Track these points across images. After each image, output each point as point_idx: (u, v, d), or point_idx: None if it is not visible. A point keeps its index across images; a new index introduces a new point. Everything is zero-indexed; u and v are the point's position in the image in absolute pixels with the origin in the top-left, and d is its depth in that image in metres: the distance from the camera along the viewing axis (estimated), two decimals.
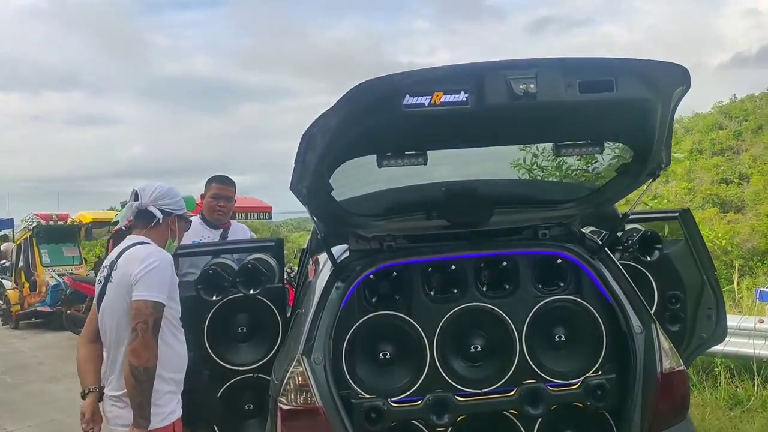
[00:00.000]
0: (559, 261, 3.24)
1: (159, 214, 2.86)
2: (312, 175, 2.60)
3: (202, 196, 4.48)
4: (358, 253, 3.17)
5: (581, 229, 3.36)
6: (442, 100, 2.23)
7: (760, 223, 37.53)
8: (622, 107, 2.40)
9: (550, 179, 5.00)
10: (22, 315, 15.49)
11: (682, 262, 4.02)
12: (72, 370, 9.38)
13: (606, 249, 3.27)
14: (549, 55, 2.31)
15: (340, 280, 3.06)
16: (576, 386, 3.11)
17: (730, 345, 5.19)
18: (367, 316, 3.13)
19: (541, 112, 2.36)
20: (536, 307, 3.19)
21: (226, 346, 3.57)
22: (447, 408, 3.02)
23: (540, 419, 3.10)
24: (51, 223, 15.93)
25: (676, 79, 2.36)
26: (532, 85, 2.22)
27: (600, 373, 3.15)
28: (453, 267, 3.20)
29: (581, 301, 3.21)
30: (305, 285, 3.72)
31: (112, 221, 13.08)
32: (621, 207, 3.70)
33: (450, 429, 3.07)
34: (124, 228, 3.05)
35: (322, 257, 3.39)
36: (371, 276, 3.15)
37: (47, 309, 14.69)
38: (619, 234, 3.74)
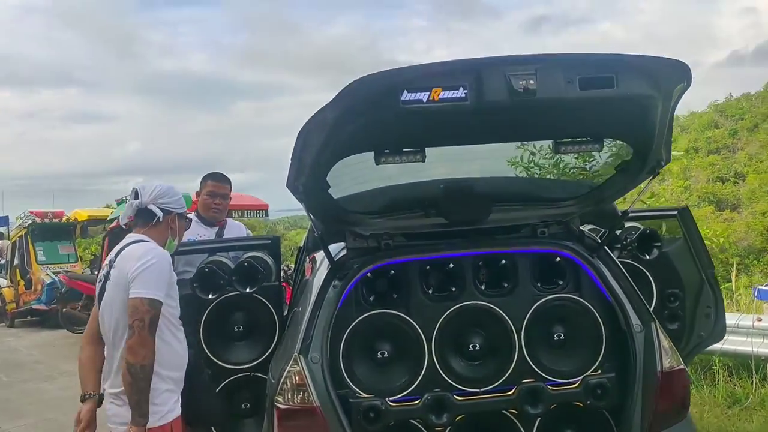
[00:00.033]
0: (558, 259, 3.22)
1: (159, 213, 2.88)
2: (309, 172, 2.57)
3: (198, 194, 4.45)
4: (356, 251, 3.15)
5: (580, 227, 3.34)
6: (440, 96, 2.20)
7: (755, 222, 37.68)
8: (623, 104, 2.37)
9: (548, 177, 4.98)
10: (17, 313, 15.47)
11: (681, 261, 4.01)
12: (68, 368, 9.39)
13: (605, 247, 3.24)
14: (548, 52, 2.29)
15: (337, 278, 3.04)
16: (575, 385, 3.09)
17: (728, 343, 5.19)
18: (364, 315, 3.10)
19: (541, 108, 2.32)
20: (535, 306, 3.17)
21: (222, 345, 3.54)
22: (445, 407, 3.00)
23: (539, 418, 3.08)
24: (46, 220, 15.90)
25: (678, 75, 2.33)
26: (531, 82, 2.19)
27: (600, 372, 3.13)
28: (451, 265, 3.17)
29: (580, 299, 3.19)
30: (302, 283, 3.70)
31: (108, 219, 13.05)
32: (619, 205, 3.68)
33: (449, 429, 3.05)
34: (124, 226, 3.06)
35: (319, 255, 3.37)
36: (369, 274, 3.12)
37: (43, 307, 14.68)
38: (618, 232, 3.72)
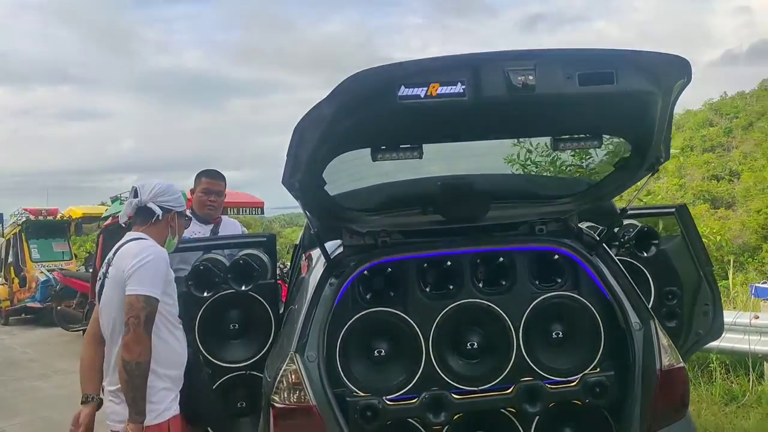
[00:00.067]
0: (557, 257, 3.19)
1: (158, 211, 2.88)
2: (304, 168, 2.54)
3: (192, 191, 4.41)
4: (352, 248, 3.12)
5: (579, 225, 3.31)
6: (438, 91, 2.18)
7: (750, 219, 37.81)
8: (622, 100, 2.35)
9: (546, 174, 4.95)
10: (11, 311, 15.44)
11: (679, 258, 3.99)
12: (62, 366, 9.39)
13: (604, 245, 3.22)
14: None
15: (333, 276, 3.01)
16: (574, 383, 3.07)
17: (725, 341, 5.17)
18: (361, 313, 3.07)
19: (540, 104, 2.30)
20: (533, 304, 3.14)
21: (217, 343, 3.51)
22: (443, 406, 2.97)
23: (537, 417, 3.06)
24: (40, 218, 15.87)
25: (678, 71, 2.31)
26: (530, 77, 2.17)
27: (598, 370, 3.10)
28: (449, 263, 3.15)
29: (579, 297, 3.16)
30: (298, 281, 3.67)
31: (102, 216, 13.00)
32: (616, 203, 3.66)
33: (446, 427, 3.02)
34: (123, 224, 3.04)
35: (316, 253, 3.34)
36: (365, 272, 3.09)
37: (37, 305, 14.67)
38: (616, 230, 3.70)
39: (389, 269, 3.13)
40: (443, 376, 3.05)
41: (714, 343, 4.79)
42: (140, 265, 2.68)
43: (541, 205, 3.21)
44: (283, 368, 2.85)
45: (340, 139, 2.41)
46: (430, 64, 2.18)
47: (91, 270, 11.68)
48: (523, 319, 3.12)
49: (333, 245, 3.20)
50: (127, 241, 2.85)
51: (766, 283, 7.07)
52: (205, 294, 3.46)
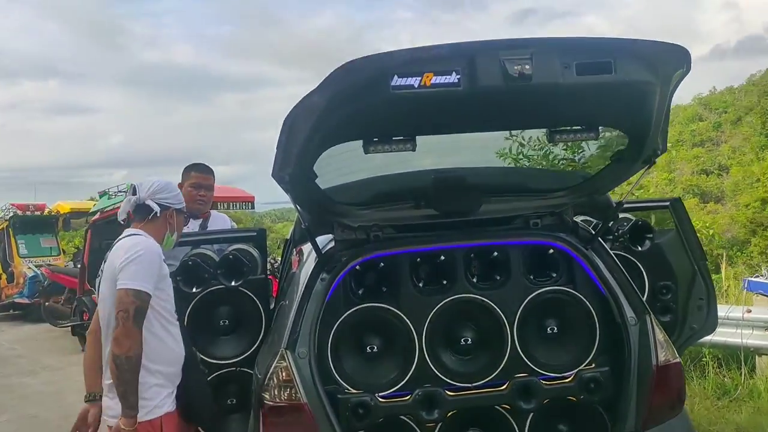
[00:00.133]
0: (551, 251, 3.15)
1: (156, 208, 2.89)
2: (295, 161, 2.48)
3: (180, 186, 4.33)
4: (344, 243, 3.07)
5: (574, 218, 3.27)
6: (432, 81, 2.11)
7: (739, 214, 38.10)
8: (620, 90, 2.30)
9: (540, 168, 4.91)
10: None
11: (673, 252, 3.97)
12: (50, 362, 9.32)
13: (599, 239, 3.18)
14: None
15: (325, 271, 2.95)
16: (569, 379, 3.03)
17: (718, 335, 5.14)
18: (353, 309, 3.02)
19: (536, 95, 2.24)
20: (528, 299, 3.10)
21: (207, 340, 3.45)
22: (436, 403, 2.93)
23: (532, 414, 3.02)
24: (28, 213, 15.73)
25: (677, 60, 2.26)
26: (527, 66, 2.11)
27: (593, 365, 3.07)
28: (442, 257, 3.10)
29: (574, 292, 3.12)
30: (289, 276, 3.62)
31: (90, 211, 12.90)
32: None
33: (440, 425, 2.98)
34: (122, 222, 3.04)
35: (306, 248, 3.29)
36: (357, 267, 3.04)
37: (25, 301, 14.59)
38: (610, 224, 3.66)
39: (381, 264, 3.09)
40: (436, 372, 3.00)
41: (707, 338, 4.78)
42: (131, 259, 2.69)
43: (536, 198, 3.17)
44: (273, 365, 2.80)
45: (331, 130, 2.34)
46: (424, 53, 2.12)
47: (79, 265, 11.57)
48: (518, 314, 3.07)
49: (324, 240, 3.15)
50: (123, 238, 2.86)
51: (758, 277, 7.09)
52: (194, 290, 3.40)
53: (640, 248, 3.70)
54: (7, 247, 15.58)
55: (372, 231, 3.03)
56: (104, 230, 10.18)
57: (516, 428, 3.04)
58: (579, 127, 2.58)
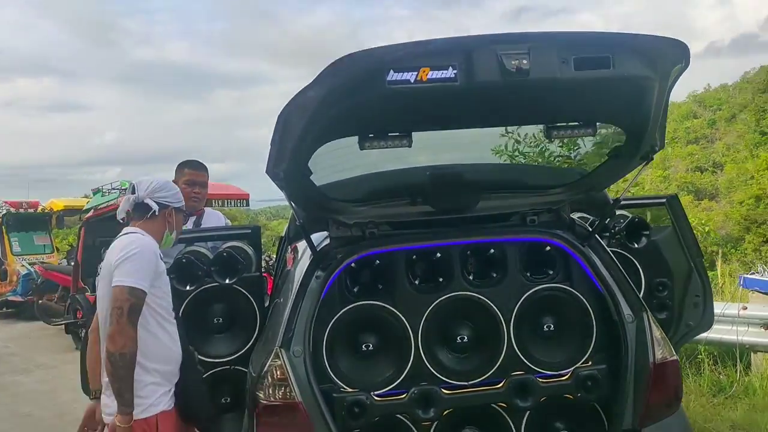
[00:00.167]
0: (548, 248, 3.14)
1: (155, 206, 2.90)
2: (289, 157, 2.45)
3: (174, 183, 4.29)
4: (339, 240, 3.04)
5: (571, 215, 3.25)
6: (428, 76, 2.09)
7: (733, 211, 38.20)
8: (618, 86, 2.28)
9: (537, 164, 4.90)
10: None
11: (670, 249, 3.96)
12: (44, 360, 9.25)
13: (596, 236, 3.16)
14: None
15: (320, 268, 2.93)
16: (566, 377, 3.02)
17: (713, 332, 5.15)
18: (348, 307, 3.00)
19: (534, 90, 2.22)
20: (524, 296, 3.08)
21: (201, 338, 3.42)
22: (433, 401, 2.91)
23: (528, 412, 3.01)
24: (21, 210, 15.63)
25: (676, 55, 2.24)
26: (524, 61, 2.09)
27: (590, 363, 3.05)
28: (438, 255, 3.08)
29: (571, 289, 3.11)
30: (284, 274, 3.59)
31: (84, 209, 12.83)
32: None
33: (436, 423, 2.96)
34: (121, 221, 3.05)
35: (301, 245, 3.26)
36: (353, 264, 3.02)
37: (18, 298, 14.51)
38: (607, 220, 3.65)
39: (377, 261, 3.07)
40: (432, 370, 2.98)
41: (702, 335, 4.78)
42: (126, 257, 2.69)
43: (533, 195, 3.15)
44: (268, 363, 2.78)
45: (326, 126, 2.31)
46: (420, 48, 2.09)
47: (72, 263, 11.50)
48: (514, 311, 3.06)
49: (319, 237, 3.13)
50: (120, 236, 2.87)
51: (754, 274, 7.10)
52: (188, 287, 3.37)
53: (636, 245, 3.69)
54: (0, 245, 15.48)
55: (367, 228, 3.01)
56: (98, 228, 10.11)
57: (512, 426, 3.02)
58: (576, 123, 2.57)
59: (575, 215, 3.43)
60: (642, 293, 3.65)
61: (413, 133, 2.45)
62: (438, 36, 2.10)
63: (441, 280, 3.08)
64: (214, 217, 4.42)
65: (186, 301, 3.35)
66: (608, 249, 3.23)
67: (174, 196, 3.00)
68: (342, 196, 2.97)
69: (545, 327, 3.09)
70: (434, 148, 2.88)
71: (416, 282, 3.11)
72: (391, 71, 2.07)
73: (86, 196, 16.76)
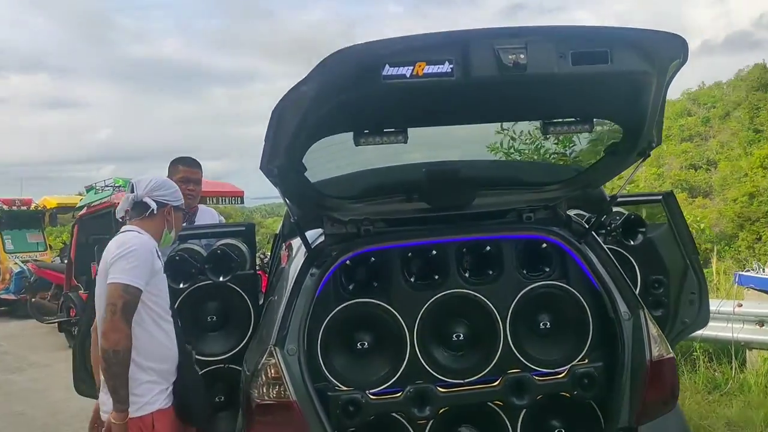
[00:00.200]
0: (545, 245, 3.11)
1: (153, 205, 2.90)
2: (283, 153, 2.42)
3: None
4: (334, 237, 3.01)
5: (567, 212, 3.23)
6: (424, 71, 2.06)
7: (727, 208, 38.38)
8: (616, 81, 2.26)
9: (533, 161, 4.88)
10: None
11: (665, 246, 3.95)
12: (36, 359, 9.22)
13: (593, 233, 3.14)
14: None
15: (314, 266, 2.90)
16: (562, 375, 3.00)
17: (708, 329, 5.16)
18: (343, 304, 2.97)
19: (531, 85, 2.20)
20: (521, 294, 3.06)
21: (194, 336, 3.39)
22: (428, 400, 2.89)
23: (524, 410, 2.99)
24: (14, 208, 15.55)
25: (674, 50, 2.22)
26: (522, 56, 2.06)
27: (587, 361, 3.04)
28: (434, 252, 3.05)
29: (567, 286, 3.09)
30: (278, 271, 3.56)
31: (77, 206, 12.78)
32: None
33: (431, 422, 2.94)
34: (120, 219, 3.06)
35: (296, 242, 3.24)
36: (348, 262, 2.99)
37: (11, 297, 14.47)
38: (603, 217, 3.63)
39: (372, 259, 3.04)
40: (428, 368, 2.96)
41: (698, 332, 4.78)
42: (121, 255, 2.70)
43: (529, 192, 3.13)
44: (262, 362, 2.75)
45: (321, 122, 2.29)
46: (416, 42, 2.06)
47: (66, 261, 11.45)
48: (511, 309, 3.03)
49: (314, 234, 3.10)
50: (118, 234, 2.88)
51: (749, 271, 7.11)
52: (181, 285, 3.34)
53: (632, 242, 3.68)
54: None
55: (363, 225, 2.98)
56: (91, 225, 10.08)
57: (508, 424, 3.00)
58: (573, 119, 2.54)
59: (571, 212, 3.41)
60: (638, 290, 3.64)
61: (409, 129, 2.42)
62: None
63: (437, 277, 3.06)
64: (207, 215, 4.38)
65: (179, 299, 3.32)
66: (605, 246, 3.20)
67: (173, 195, 3.00)
68: (337, 193, 2.94)
69: (541, 325, 3.06)
70: (429, 146, 2.86)
71: (412, 279, 3.08)
72: (387, 66, 2.04)
73: (80, 194, 16.71)
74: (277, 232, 4.20)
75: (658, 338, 2.93)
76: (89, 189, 12.15)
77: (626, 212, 3.78)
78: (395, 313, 2.97)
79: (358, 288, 3.06)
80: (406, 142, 2.43)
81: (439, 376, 2.96)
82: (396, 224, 3.10)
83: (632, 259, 3.75)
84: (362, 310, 2.99)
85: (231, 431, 3.25)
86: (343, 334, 2.98)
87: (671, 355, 2.96)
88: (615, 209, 3.80)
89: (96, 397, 3.29)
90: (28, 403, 7.19)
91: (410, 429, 2.94)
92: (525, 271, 3.16)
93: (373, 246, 2.99)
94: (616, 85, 2.29)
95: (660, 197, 4.04)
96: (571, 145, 5.49)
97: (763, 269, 7.23)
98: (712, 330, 5.62)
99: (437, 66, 2.07)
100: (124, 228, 2.92)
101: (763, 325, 6.05)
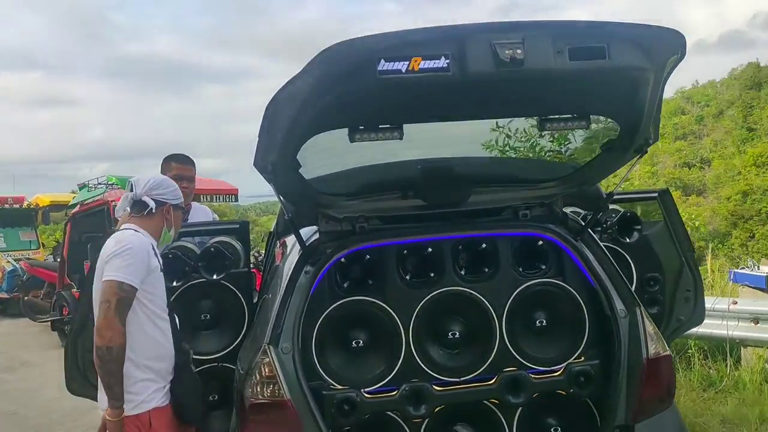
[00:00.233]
0: (541, 243, 3.10)
1: (152, 204, 2.92)
2: (278, 150, 2.39)
3: None
4: (329, 234, 2.99)
5: (563, 209, 3.21)
6: (420, 66, 2.03)
7: (720, 206, 38.56)
8: (614, 77, 2.23)
9: (530, 157, 4.86)
10: None
11: (661, 244, 3.94)
12: (29, 358, 9.14)
13: (589, 230, 3.13)
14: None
15: (309, 263, 2.88)
16: (558, 373, 2.99)
17: (703, 327, 5.14)
18: (338, 302, 2.95)
19: (528, 81, 2.17)
20: (517, 291, 3.04)
21: (188, 335, 3.36)
22: (424, 398, 2.87)
23: (521, 408, 2.98)
24: (6, 206, 15.47)
25: (672, 46, 2.20)
26: (519, 51, 2.04)
27: (583, 359, 3.02)
28: (429, 249, 3.03)
29: (563, 284, 3.08)
30: (272, 269, 3.54)
31: (70, 204, 12.72)
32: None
33: (427, 420, 2.92)
34: (119, 218, 3.07)
35: (290, 240, 3.21)
36: (342, 259, 2.97)
37: (4, 295, 14.41)
38: (599, 215, 3.62)
39: (367, 256, 3.01)
40: (424, 367, 2.94)
41: (692, 329, 4.79)
42: (117, 252, 2.71)
43: (525, 189, 3.11)
44: (256, 360, 2.73)
45: (315, 117, 2.26)
46: (412, 37, 2.03)
47: (58, 259, 11.39)
48: (507, 307, 3.02)
49: (308, 231, 3.07)
50: (116, 232, 2.89)
51: (744, 268, 7.12)
52: (174, 283, 3.31)
53: (628, 240, 3.67)
54: None
55: (358, 222, 2.96)
56: (84, 223, 10.02)
57: (504, 423, 2.99)
58: (570, 116, 2.53)
59: (567, 210, 3.39)
60: (633, 288, 3.62)
61: (404, 125, 2.40)
62: None
63: (432, 275, 3.04)
64: (201, 212, 4.36)
65: (173, 297, 3.29)
66: (601, 243, 3.19)
67: (171, 193, 3.01)
68: (332, 190, 2.91)
69: (537, 322, 3.05)
70: (424, 144, 2.83)
71: (407, 277, 3.06)
72: (382, 60, 2.01)
73: (73, 192, 16.65)
74: (272, 229, 4.17)
75: (654, 336, 2.92)
76: (82, 187, 12.09)
77: (622, 209, 3.77)
78: (390, 311, 2.95)
79: (353, 286, 3.04)
80: (401, 138, 2.40)
81: (435, 375, 2.94)
82: (391, 221, 3.07)
83: (628, 257, 3.74)
84: (357, 308, 2.97)
85: (225, 430, 3.23)
86: (338, 332, 2.96)
87: (668, 352, 2.95)
88: (611, 206, 3.80)
89: (88, 396, 3.26)
90: (20, 403, 7.14)
91: (406, 428, 2.92)
92: (521, 269, 3.15)
93: (368, 243, 2.97)
94: (613, 80, 2.26)
95: (656, 194, 4.04)
96: (566, 143, 5.48)
97: (758, 267, 7.25)
98: (707, 327, 5.62)
99: (433, 61, 2.04)
100: (123, 226, 2.93)
101: (757, 323, 6.07)
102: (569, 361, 3.01)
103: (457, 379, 2.95)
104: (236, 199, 13.47)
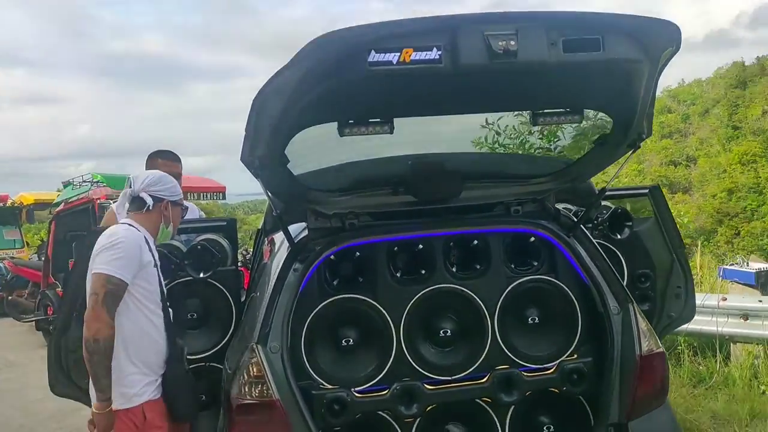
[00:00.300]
0: (533, 239, 3.07)
1: (149, 200, 2.92)
2: (265, 144, 2.34)
3: None
4: (318, 231, 2.94)
5: (556, 205, 3.18)
6: (412, 57, 1.98)
7: (706, 204, 38.89)
8: (608, 69, 2.20)
9: (521, 153, 4.82)
10: None
11: (652, 240, 3.93)
12: (13, 358, 9.03)
13: (581, 226, 3.10)
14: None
15: (298, 261, 2.83)
16: (551, 371, 2.96)
17: (693, 323, 5.14)
18: (327, 300, 2.90)
19: (521, 73, 2.13)
20: (509, 288, 3.01)
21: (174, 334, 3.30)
22: (415, 397, 2.84)
23: (513, 406, 2.95)
24: None
25: (667, 38, 2.16)
26: (512, 43, 1.99)
27: (576, 356, 3.00)
28: (420, 246, 2.99)
29: (556, 281, 3.05)
30: (260, 267, 3.49)
31: (54, 202, 12.57)
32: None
33: (419, 420, 2.88)
34: (118, 215, 3.07)
35: (279, 237, 3.17)
36: (332, 256, 2.92)
37: None
38: (591, 211, 3.59)
39: (357, 253, 2.98)
40: (415, 365, 2.90)
41: (682, 326, 4.78)
42: (107, 246, 2.72)
43: (517, 184, 3.08)
44: (243, 360, 2.68)
45: (304, 111, 2.20)
46: (403, 27, 1.98)
47: (43, 258, 11.25)
48: (499, 304, 2.99)
49: (297, 228, 3.03)
50: (111, 227, 2.89)
51: (733, 265, 7.15)
52: None
53: (619, 236, 3.65)
54: None
55: (347, 219, 2.92)
56: (69, 221, 9.90)
57: (497, 421, 2.96)
58: (564, 110, 2.49)
59: (559, 206, 3.37)
60: (624, 284, 3.61)
61: (395, 119, 2.35)
62: None
63: (423, 272, 3.00)
64: (188, 210, 4.28)
65: None
66: (593, 240, 3.16)
67: (170, 190, 3.00)
68: (321, 186, 2.87)
69: (530, 320, 3.02)
70: (414, 140, 2.79)
71: (398, 274, 3.02)
72: (373, 52, 1.96)
73: (58, 190, 16.48)
74: (260, 227, 4.12)
75: (647, 332, 2.91)
76: (66, 185, 11.95)
77: (613, 206, 3.75)
78: (381, 308, 2.91)
79: (343, 283, 3.00)
80: (391, 132, 2.36)
81: (426, 373, 2.90)
82: (381, 218, 3.03)
83: (619, 253, 3.72)
84: (347, 306, 2.92)
85: (212, 431, 3.17)
86: (327, 330, 2.92)
87: (661, 349, 2.93)
88: (603, 203, 3.77)
89: (72, 397, 3.20)
90: (3, 403, 7.04)
91: (397, 427, 2.89)
92: (513, 266, 3.12)
93: (358, 240, 2.93)
94: (607, 73, 2.23)
95: (647, 191, 4.02)
96: (555, 140, 5.46)
97: (747, 263, 7.28)
98: (697, 324, 5.62)
99: (425, 52, 1.99)
100: (122, 220, 2.94)
101: (747, 319, 6.10)
102: (562, 358, 2.99)
103: (449, 378, 2.92)
104: (224, 197, 13.38)
